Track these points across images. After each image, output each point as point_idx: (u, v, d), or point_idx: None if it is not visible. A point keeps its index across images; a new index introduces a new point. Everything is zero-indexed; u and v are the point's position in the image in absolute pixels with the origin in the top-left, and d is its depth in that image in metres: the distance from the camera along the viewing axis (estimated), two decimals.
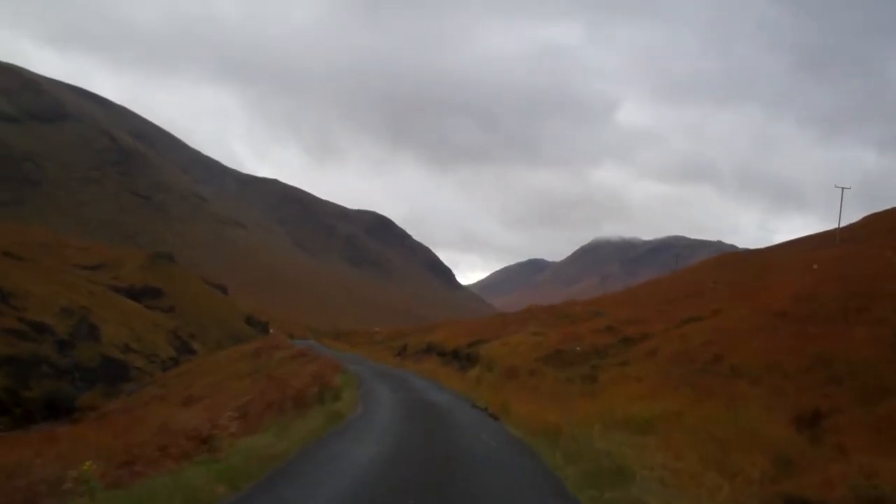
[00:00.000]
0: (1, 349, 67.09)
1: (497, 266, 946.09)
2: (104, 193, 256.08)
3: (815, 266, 36.34)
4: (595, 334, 33.96)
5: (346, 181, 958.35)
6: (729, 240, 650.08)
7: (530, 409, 21.05)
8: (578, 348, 30.87)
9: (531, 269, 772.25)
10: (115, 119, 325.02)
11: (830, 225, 74.06)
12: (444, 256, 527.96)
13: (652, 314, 37.72)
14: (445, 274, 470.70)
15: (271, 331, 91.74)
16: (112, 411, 47.35)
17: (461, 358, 39.37)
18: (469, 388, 29.01)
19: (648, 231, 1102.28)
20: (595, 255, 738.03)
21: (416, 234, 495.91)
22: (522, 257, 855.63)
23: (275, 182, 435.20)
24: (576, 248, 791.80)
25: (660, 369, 24.75)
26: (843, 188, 67.67)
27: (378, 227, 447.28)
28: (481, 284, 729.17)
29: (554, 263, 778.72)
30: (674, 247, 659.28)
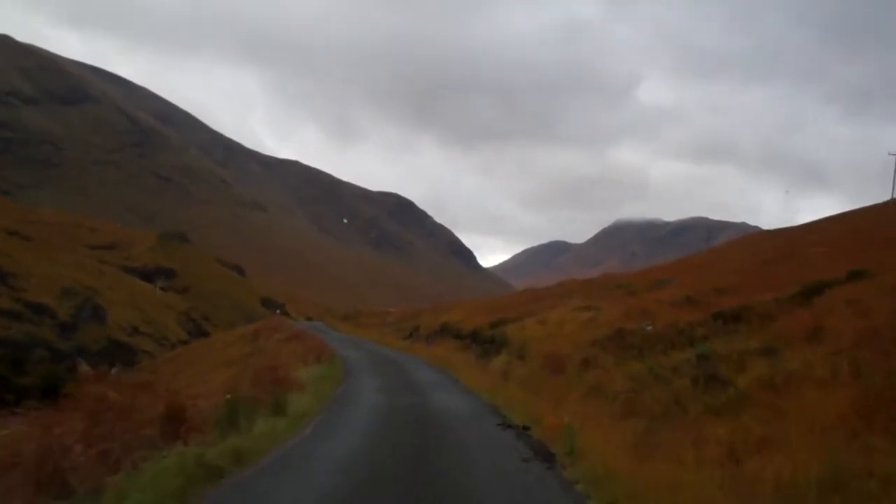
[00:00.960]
0: None
1: (518, 248, 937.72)
2: (124, 175, 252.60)
3: None
4: (672, 308, 24.19)
5: (367, 162, 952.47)
6: (753, 220, 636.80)
7: (617, 443, 11.98)
8: (650, 327, 21.32)
9: (553, 251, 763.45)
10: (136, 100, 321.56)
11: (857, 205, 67.87)
12: (466, 239, 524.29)
13: (746, 280, 27.37)
14: (467, 256, 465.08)
15: (278, 312, 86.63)
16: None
17: (482, 341, 32.93)
18: (493, 386, 21.33)
19: (671, 212, 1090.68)
20: (617, 236, 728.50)
21: (438, 216, 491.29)
22: (544, 239, 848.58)
23: (296, 164, 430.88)
24: (598, 229, 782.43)
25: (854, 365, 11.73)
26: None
27: (399, 209, 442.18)
28: (503, 267, 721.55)
29: (576, 245, 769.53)
30: (697, 228, 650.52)
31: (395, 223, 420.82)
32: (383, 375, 25.56)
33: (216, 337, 69.36)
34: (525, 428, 14.88)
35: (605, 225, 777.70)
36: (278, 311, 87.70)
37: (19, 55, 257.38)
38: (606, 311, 26.35)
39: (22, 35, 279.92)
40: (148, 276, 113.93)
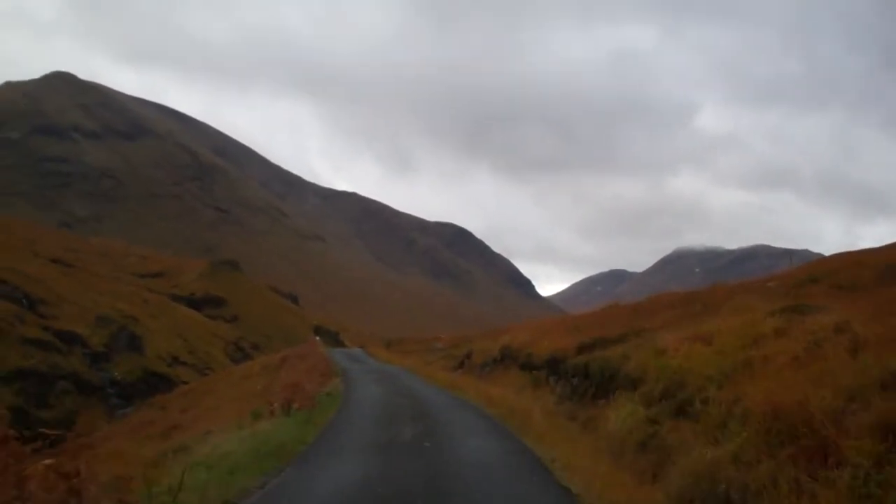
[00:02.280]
0: (14, 361, 56.51)
1: (576, 277, 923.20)
2: (183, 208, 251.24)
3: None
4: None
5: (424, 193, 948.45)
6: (815, 247, 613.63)
7: None
8: None
9: (612, 280, 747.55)
10: (195, 135, 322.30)
11: None
12: (523, 268, 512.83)
13: None
14: (525, 285, 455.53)
15: (317, 338, 79.77)
16: (83, 444, 35.61)
17: (568, 374, 22.36)
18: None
19: (732, 240, 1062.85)
20: (678, 264, 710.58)
21: (495, 246, 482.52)
22: (602, 268, 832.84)
23: (354, 195, 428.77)
24: (657, 258, 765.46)
25: None
26: None
27: (457, 239, 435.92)
28: (561, 296, 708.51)
29: (635, 274, 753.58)
30: (759, 255, 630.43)
31: (453, 253, 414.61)
32: (394, 451, 13.89)
33: (239, 367, 62.68)
34: None
35: (665, 254, 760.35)
36: (317, 338, 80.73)
37: (81, 92, 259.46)
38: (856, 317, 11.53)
39: (84, 72, 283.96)
40: (196, 304, 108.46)
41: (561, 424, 17.71)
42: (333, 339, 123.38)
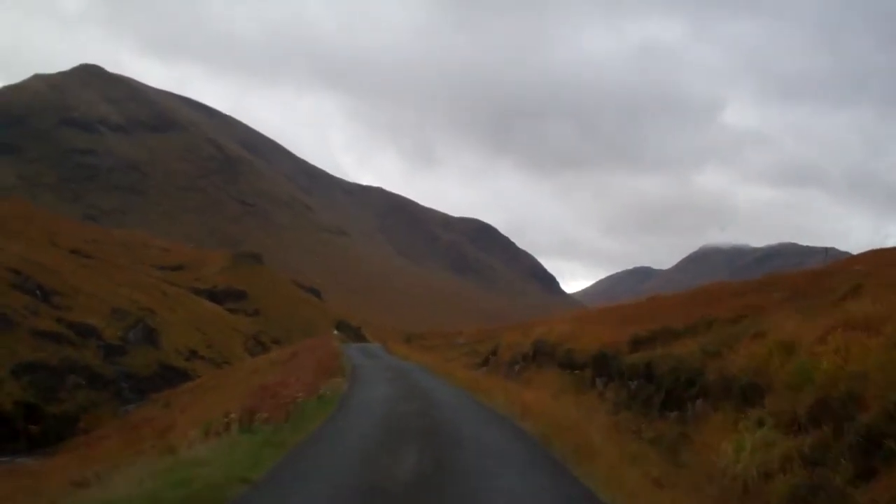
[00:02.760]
0: (24, 354, 54.82)
1: (600, 274, 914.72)
2: (208, 201, 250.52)
3: None
4: None
5: (448, 188, 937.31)
6: (842, 245, 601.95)
7: None
8: None
9: (637, 277, 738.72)
10: (221, 128, 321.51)
11: None
12: (547, 264, 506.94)
13: None
14: (549, 281, 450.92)
15: (335, 332, 77.49)
16: (78, 443, 33.66)
17: (624, 376, 18.35)
18: None
19: (758, 237, 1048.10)
20: (704, 262, 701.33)
21: (518, 241, 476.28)
22: (627, 265, 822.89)
23: (379, 190, 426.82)
24: (683, 255, 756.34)
25: None
26: None
27: (481, 235, 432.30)
28: (585, 292, 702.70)
29: (661, 271, 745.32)
30: (785, 253, 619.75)
31: (477, 248, 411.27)
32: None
33: (247, 362, 60.55)
34: None
35: (691, 251, 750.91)
36: (335, 332, 78.49)
37: (108, 85, 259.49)
38: None
39: (111, 65, 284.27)
40: (218, 297, 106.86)
41: (637, 453, 12.38)
42: (355, 334, 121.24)
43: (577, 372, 23.08)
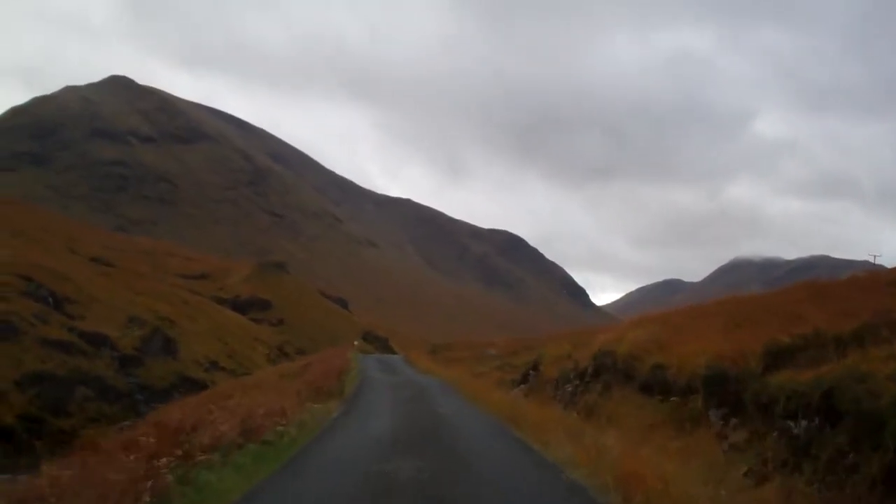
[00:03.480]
0: (30, 364, 51.31)
1: (630, 286, 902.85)
2: (238, 213, 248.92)
3: None
4: None
5: (477, 199, 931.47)
6: (877, 259, 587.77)
7: None
8: None
9: (667, 290, 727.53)
10: (251, 139, 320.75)
11: None
12: (576, 276, 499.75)
13: None
14: (579, 294, 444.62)
15: (355, 342, 73.72)
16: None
17: (769, 409, 11.90)
18: None
19: (791, 249, 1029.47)
20: (735, 274, 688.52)
21: (547, 253, 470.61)
22: (657, 277, 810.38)
23: (408, 202, 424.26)
24: (714, 267, 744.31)
25: None
26: None
27: (510, 246, 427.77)
28: (615, 305, 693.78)
29: (692, 284, 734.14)
30: (819, 266, 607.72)
31: (506, 260, 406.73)
32: None
33: (254, 375, 56.73)
34: None
35: (722, 263, 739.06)
36: (355, 342, 74.69)
37: (138, 96, 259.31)
38: None
39: (140, 77, 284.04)
40: (241, 307, 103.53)
41: None
42: (382, 345, 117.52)
43: (673, 399, 16.46)
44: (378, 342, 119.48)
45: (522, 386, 28.76)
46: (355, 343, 68.72)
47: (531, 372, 30.04)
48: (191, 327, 77.43)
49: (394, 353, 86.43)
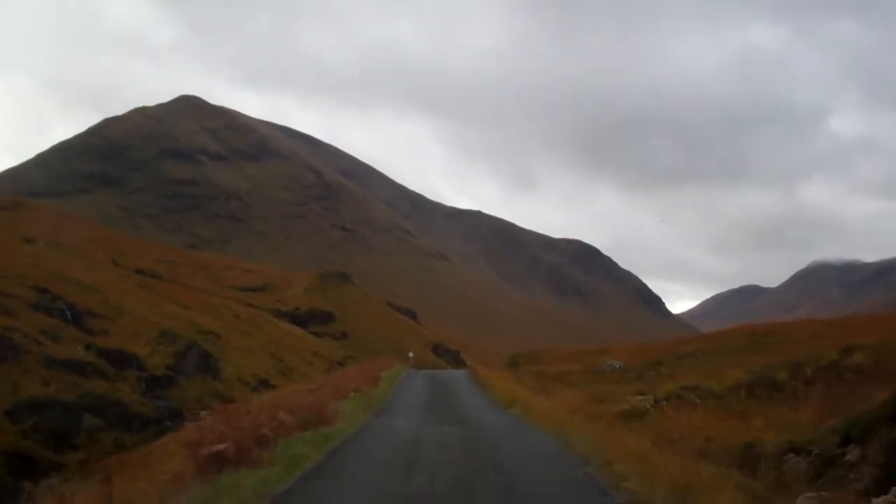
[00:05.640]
0: (29, 389, 41.96)
1: (706, 294, 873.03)
2: (309, 228, 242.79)
3: None
4: None
5: (548, 210, 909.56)
6: None
7: None
8: None
9: (744, 297, 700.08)
10: (320, 155, 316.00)
11: None
12: (651, 285, 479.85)
13: None
14: (655, 303, 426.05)
15: (410, 355, 63.08)
16: None
17: None
18: None
19: (872, 252, 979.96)
20: (813, 279, 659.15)
21: (620, 262, 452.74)
22: (733, 284, 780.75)
23: (478, 214, 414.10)
24: (792, 272, 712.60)
25: None
26: None
27: (583, 256, 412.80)
28: (691, 313, 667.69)
29: (769, 290, 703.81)
30: None
31: (579, 270, 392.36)
32: None
33: (275, 392, 46.46)
34: None
35: (800, 267, 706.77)
36: (410, 355, 64.10)
37: (207, 115, 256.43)
38: None
39: (207, 95, 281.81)
40: (301, 320, 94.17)
41: None
42: (454, 358, 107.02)
43: None
44: (449, 355, 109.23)
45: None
46: (410, 355, 57.73)
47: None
48: (239, 342, 68.10)
49: (466, 366, 75.59)
